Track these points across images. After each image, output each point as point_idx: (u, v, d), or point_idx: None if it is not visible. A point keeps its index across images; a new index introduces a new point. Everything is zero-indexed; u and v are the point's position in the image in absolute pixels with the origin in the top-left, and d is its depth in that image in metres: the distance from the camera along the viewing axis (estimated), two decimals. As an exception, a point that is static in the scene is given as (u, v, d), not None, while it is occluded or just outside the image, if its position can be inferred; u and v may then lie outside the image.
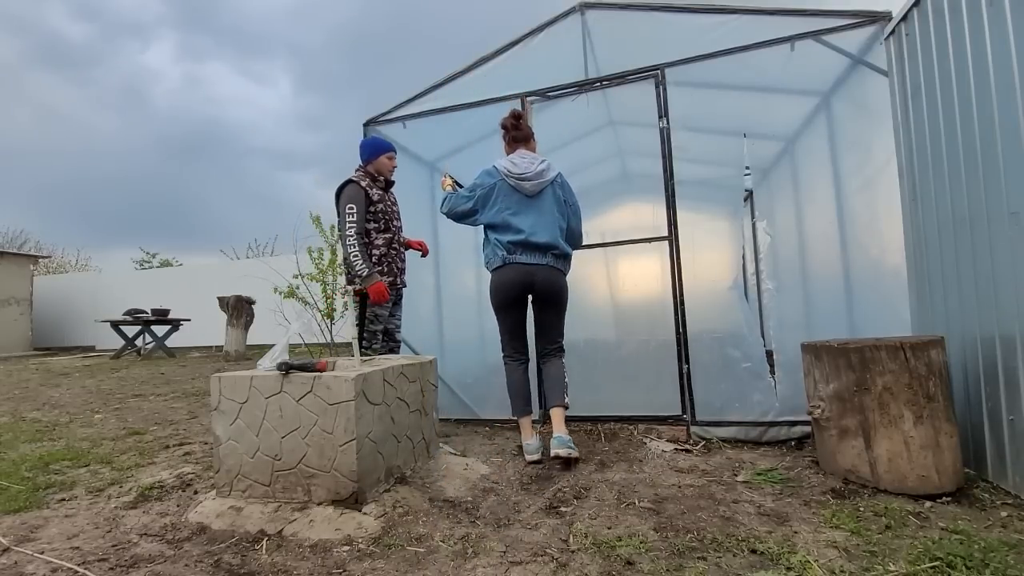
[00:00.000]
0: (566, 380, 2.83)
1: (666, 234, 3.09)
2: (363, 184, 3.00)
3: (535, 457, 2.62)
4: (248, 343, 9.76)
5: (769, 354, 2.98)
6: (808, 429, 2.66)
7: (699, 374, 3.03)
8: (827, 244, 3.06)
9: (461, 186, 3.01)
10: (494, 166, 2.81)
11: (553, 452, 2.55)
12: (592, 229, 3.76)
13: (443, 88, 3.74)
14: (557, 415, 2.70)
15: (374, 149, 3.14)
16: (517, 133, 2.87)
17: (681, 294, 3.06)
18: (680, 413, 3.04)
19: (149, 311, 10.69)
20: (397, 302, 3.21)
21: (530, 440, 2.69)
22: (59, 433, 3.70)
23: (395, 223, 3.16)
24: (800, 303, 3.18)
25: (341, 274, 8.41)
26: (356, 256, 2.88)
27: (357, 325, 2.90)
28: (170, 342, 10.69)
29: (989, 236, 2.01)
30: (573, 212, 2.86)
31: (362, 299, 2.95)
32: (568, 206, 2.83)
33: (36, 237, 23.52)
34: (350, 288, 2.76)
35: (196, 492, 2.40)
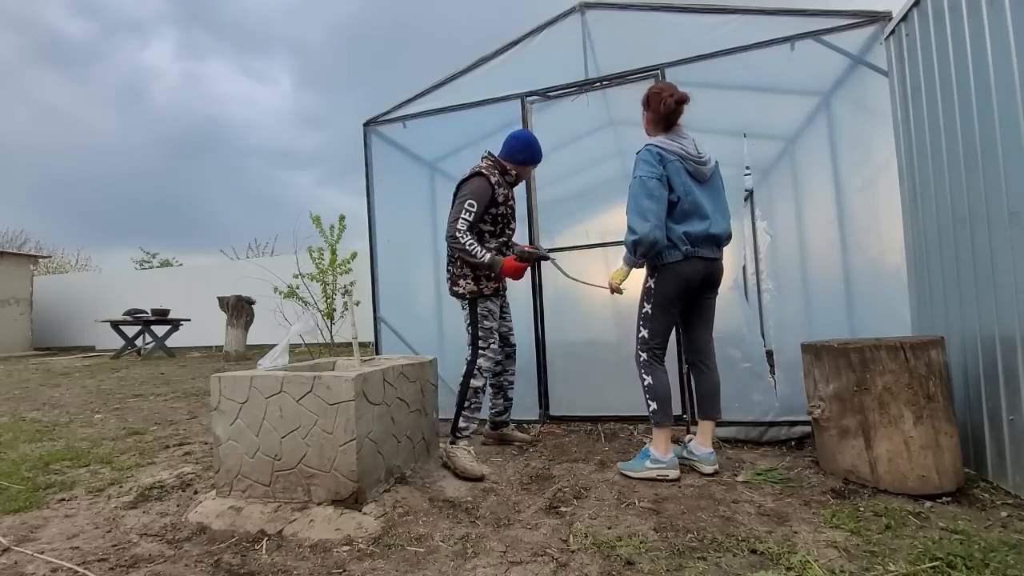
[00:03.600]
0: None
1: (666, 234, 3.09)
2: (492, 181, 2.71)
3: (677, 473, 2.34)
4: (248, 343, 9.77)
5: (769, 354, 2.98)
6: (808, 429, 2.66)
7: (699, 374, 3.03)
8: (827, 244, 3.06)
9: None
10: (657, 148, 2.39)
11: (710, 469, 2.38)
12: (592, 229, 3.76)
13: (443, 88, 3.75)
14: (711, 428, 2.48)
15: (529, 155, 2.83)
16: (676, 116, 2.49)
17: (681, 294, 3.06)
18: (680, 413, 3.04)
19: (149, 311, 10.70)
20: (504, 306, 2.98)
21: (671, 453, 2.39)
22: (59, 433, 3.70)
23: (511, 227, 2.89)
24: (800, 303, 3.18)
25: (341, 274, 8.42)
26: (472, 245, 2.61)
27: (469, 327, 2.74)
28: (170, 342, 10.69)
29: (989, 236, 2.01)
30: None
31: (470, 301, 2.74)
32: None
33: (36, 237, 23.59)
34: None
35: (196, 492, 2.40)
